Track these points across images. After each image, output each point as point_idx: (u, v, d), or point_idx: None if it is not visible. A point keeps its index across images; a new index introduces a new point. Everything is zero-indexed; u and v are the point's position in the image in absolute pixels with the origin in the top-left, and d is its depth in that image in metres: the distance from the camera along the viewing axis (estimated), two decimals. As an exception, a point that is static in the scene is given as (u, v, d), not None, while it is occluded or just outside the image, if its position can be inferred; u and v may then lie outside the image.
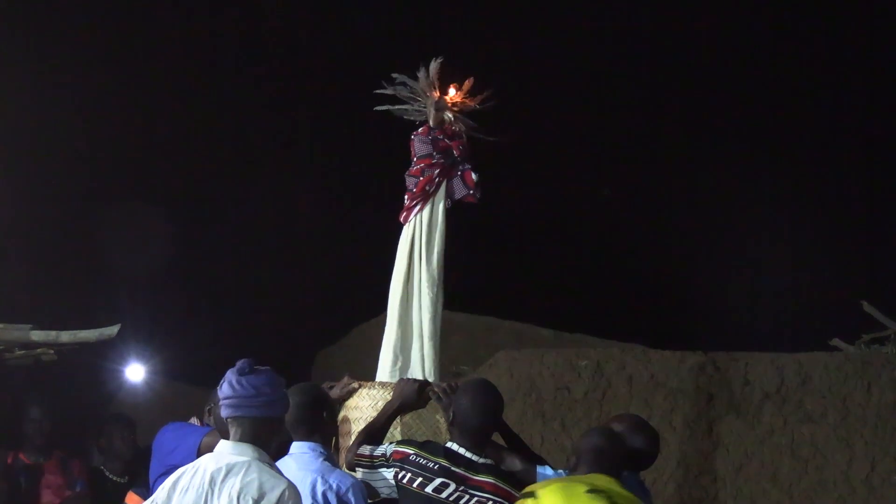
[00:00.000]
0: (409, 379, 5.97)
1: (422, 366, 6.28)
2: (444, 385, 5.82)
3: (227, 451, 4.60)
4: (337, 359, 12.24)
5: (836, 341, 11.16)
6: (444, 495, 5.25)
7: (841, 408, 8.71)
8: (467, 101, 6.58)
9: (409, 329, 6.39)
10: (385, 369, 6.36)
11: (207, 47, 14.18)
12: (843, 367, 8.83)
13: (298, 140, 14.83)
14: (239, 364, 4.67)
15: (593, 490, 4.95)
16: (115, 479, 7.75)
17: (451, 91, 6.57)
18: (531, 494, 4.97)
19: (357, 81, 6.63)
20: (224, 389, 4.65)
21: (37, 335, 8.33)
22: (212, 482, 4.51)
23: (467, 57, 6.66)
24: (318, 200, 14.45)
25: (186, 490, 4.55)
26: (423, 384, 5.83)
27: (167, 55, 13.57)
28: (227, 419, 4.69)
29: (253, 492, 4.46)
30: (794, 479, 8.60)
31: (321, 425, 5.50)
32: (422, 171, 6.50)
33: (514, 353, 9.15)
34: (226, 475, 4.51)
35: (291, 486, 4.56)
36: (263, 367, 4.72)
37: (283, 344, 12.69)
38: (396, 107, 6.61)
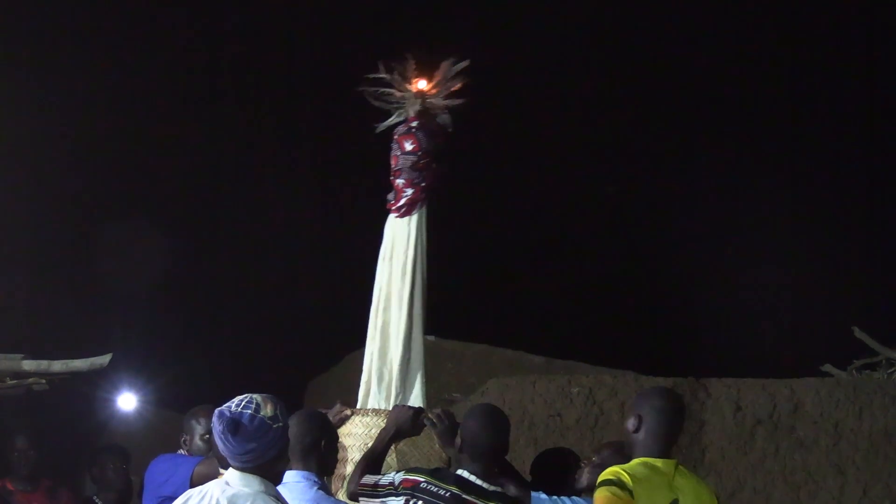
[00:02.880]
0: (403, 406, 5.96)
1: (399, 388, 6.23)
2: (439, 411, 5.81)
3: (236, 482, 4.56)
4: (329, 386, 12.22)
5: (827, 367, 11.18)
6: None
7: (833, 433, 8.73)
8: (448, 86, 6.41)
9: (387, 350, 6.29)
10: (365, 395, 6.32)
11: (209, 70, 14.19)
12: (835, 393, 8.84)
13: (293, 171, 14.82)
14: (220, 423, 4.50)
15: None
16: (106, 509, 7.71)
17: (423, 83, 6.41)
18: (613, 480, 4.90)
19: (357, 107, 6.56)
20: (217, 441, 4.60)
21: (28, 365, 8.33)
22: None
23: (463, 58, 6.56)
24: (310, 229, 14.47)
25: None
26: (418, 411, 5.82)
27: (166, 77, 13.59)
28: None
29: None
30: (787, 504, 8.64)
31: (318, 454, 5.46)
32: (427, 166, 6.38)
33: (506, 380, 9.15)
34: None
35: None
36: (246, 415, 4.51)
37: (275, 372, 12.70)
38: (392, 118, 6.47)
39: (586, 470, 5.77)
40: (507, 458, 6.03)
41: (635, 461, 5.05)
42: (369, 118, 6.52)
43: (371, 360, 6.32)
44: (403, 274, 6.27)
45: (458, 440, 5.42)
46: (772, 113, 16.44)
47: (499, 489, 5.33)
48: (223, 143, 14.48)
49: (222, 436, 4.48)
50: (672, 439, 5.18)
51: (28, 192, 11.43)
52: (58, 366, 8.39)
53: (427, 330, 6.43)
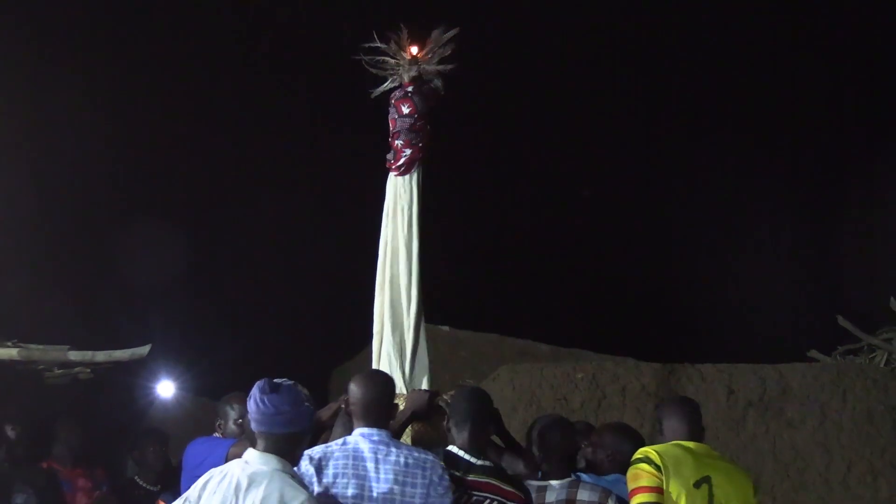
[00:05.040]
0: (420, 389, 5.96)
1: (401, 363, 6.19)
2: (453, 393, 5.81)
3: (254, 461, 4.62)
4: (352, 374, 12.19)
5: (813, 353, 11.20)
6: None
7: (819, 414, 8.74)
8: (439, 52, 6.41)
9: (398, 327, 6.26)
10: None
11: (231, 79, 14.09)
12: (821, 377, 8.86)
13: (319, 162, 14.66)
14: (261, 383, 4.69)
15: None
16: (147, 487, 7.72)
17: (415, 49, 6.42)
18: (643, 458, 5.00)
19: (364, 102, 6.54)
20: (251, 406, 4.69)
21: (74, 355, 8.35)
22: (237, 490, 4.53)
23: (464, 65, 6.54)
24: (332, 223, 14.42)
25: (214, 492, 4.57)
26: (434, 394, 5.82)
27: (187, 87, 13.52)
28: (255, 432, 4.72)
29: (274, 501, 4.47)
30: (777, 481, 8.61)
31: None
32: (423, 128, 6.39)
33: (515, 367, 9.15)
34: (249, 485, 4.53)
35: (311, 498, 4.57)
36: (286, 384, 4.72)
37: (302, 361, 12.68)
38: (386, 84, 6.47)
39: (588, 449, 5.78)
40: (518, 438, 6.05)
41: (668, 443, 5.14)
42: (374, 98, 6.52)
43: (382, 310, 6.29)
44: (409, 227, 6.29)
45: (446, 419, 5.43)
46: (759, 110, 16.36)
47: (487, 463, 5.27)
48: (244, 136, 14.39)
49: (259, 398, 4.60)
50: (694, 427, 5.22)
51: (71, 199, 11.47)
52: (101, 356, 8.41)
53: (442, 321, 6.44)
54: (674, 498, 4.88)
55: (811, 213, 15.65)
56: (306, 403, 4.73)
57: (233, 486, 4.56)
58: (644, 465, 4.94)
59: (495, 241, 15.86)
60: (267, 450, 4.65)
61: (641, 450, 5.07)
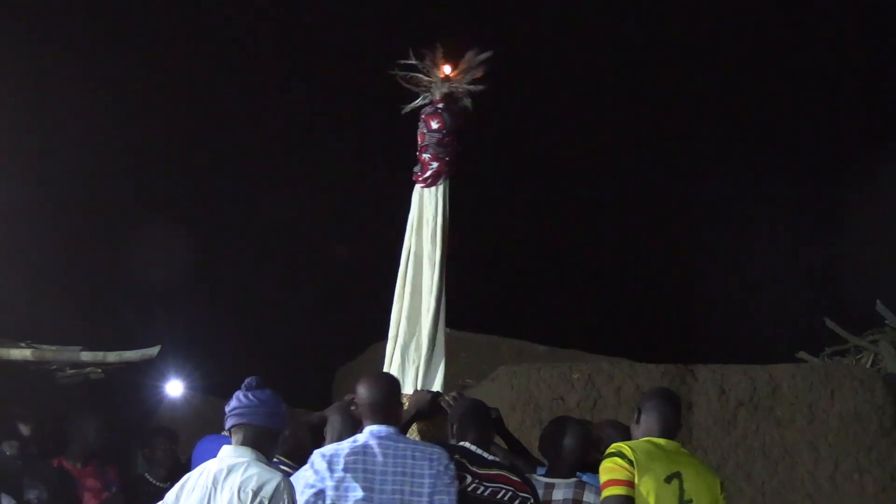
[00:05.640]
0: (424, 390, 6.02)
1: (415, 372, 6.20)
2: (455, 394, 5.87)
3: (229, 455, 4.76)
4: (355, 374, 12.21)
5: (802, 354, 11.24)
6: (462, 485, 5.26)
7: (807, 414, 8.74)
8: (471, 72, 6.43)
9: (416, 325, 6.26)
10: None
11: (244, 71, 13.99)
12: (809, 378, 8.86)
13: (326, 166, 14.62)
14: (247, 381, 4.84)
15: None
16: (157, 483, 7.73)
17: (447, 69, 6.44)
18: (616, 453, 5.00)
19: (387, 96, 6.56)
20: (231, 402, 4.85)
21: (86, 356, 8.40)
22: (214, 481, 4.65)
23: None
24: (337, 227, 14.41)
25: (193, 489, 4.70)
26: (436, 395, 5.88)
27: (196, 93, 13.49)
28: (230, 428, 4.84)
29: (252, 485, 4.60)
30: (766, 477, 8.63)
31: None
32: (451, 143, 6.41)
33: (514, 368, 9.15)
34: (227, 474, 4.65)
35: (286, 479, 4.70)
36: (267, 389, 4.87)
37: (307, 361, 12.72)
38: (418, 101, 6.48)
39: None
40: (517, 436, 6.11)
41: (641, 439, 5.16)
42: (398, 107, 6.54)
43: (399, 317, 6.28)
44: (434, 237, 6.29)
45: (451, 420, 5.52)
46: (749, 115, 16.38)
47: (496, 458, 5.38)
48: (254, 143, 14.37)
49: (244, 392, 4.77)
50: (670, 425, 5.24)
51: (84, 206, 11.48)
52: (112, 356, 8.46)
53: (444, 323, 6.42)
54: (644, 493, 4.91)
55: (801, 220, 15.68)
56: (284, 407, 4.91)
57: (210, 477, 4.67)
58: (617, 459, 4.97)
59: (496, 249, 15.89)
60: (243, 443, 4.77)
61: (615, 445, 5.09)
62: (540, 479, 5.51)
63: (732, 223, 15.87)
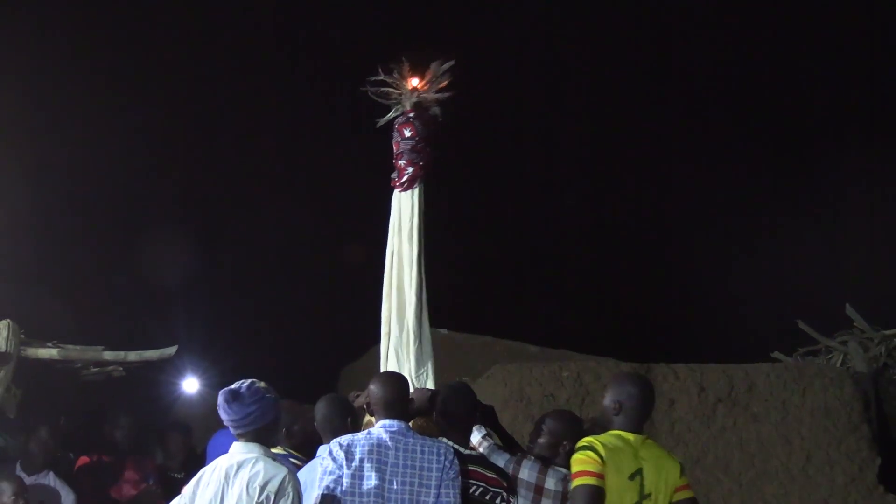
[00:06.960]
0: (422, 388, 6.08)
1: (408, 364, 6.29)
2: (441, 391, 5.91)
3: (239, 451, 4.95)
4: (359, 373, 12.20)
5: (776, 354, 11.29)
6: None
7: (781, 410, 8.78)
8: (436, 82, 6.53)
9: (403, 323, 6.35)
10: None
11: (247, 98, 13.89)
12: (783, 376, 8.92)
13: (331, 170, 14.54)
14: (221, 395, 4.97)
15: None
16: (173, 475, 7.80)
17: (415, 81, 6.54)
18: (589, 447, 5.04)
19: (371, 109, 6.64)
20: (222, 416, 5.02)
21: (108, 355, 8.46)
22: (226, 476, 4.86)
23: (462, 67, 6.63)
24: (342, 235, 14.36)
25: (208, 485, 4.91)
26: (435, 393, 5.89)
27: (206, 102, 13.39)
28: (235, 434, 5.02)
29: (259, 479, 4.81)
30: (743, 469, 8.69)
31: (346, 431, 5.53)
32: (424, 149, 6.49)
33: (507, 367, 9.17)
34: (237, 470, 4.86)
35: (291, 473, 4.90)
36: (244, 386, 4.97)
37: (313, 360, 12.71)
38: (390, 113, 6.59)
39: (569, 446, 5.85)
40: (510, 431, 6.17)
41: (610, 433, 5.18)
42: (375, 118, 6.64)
43: (389, 315, 6.38)
44: (410, 238, 6.39)
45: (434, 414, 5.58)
46: (733, 119, 16.29)
47: (474, 453, 5.45)
48: (263, 150, 14.28)
49: (224, 406, 4.86)
50: (645, 418, 5.29)
51: (106, 211, 11.48)
52: (133, 356, 8.51)
53: (440, 324, 6.45)
54: (610, 488, 4.97)
55: (774, 226, 15.66)
56: (268, 395, 5.00)
57: (223, 473, 4.87)
58: (590, 453, 4.98)
59: (489, 252, 15.88)
60: (249, 440, 4.95)
61: (587, 438, 5.10)
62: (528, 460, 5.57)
63: (715, 231, 15.86)
